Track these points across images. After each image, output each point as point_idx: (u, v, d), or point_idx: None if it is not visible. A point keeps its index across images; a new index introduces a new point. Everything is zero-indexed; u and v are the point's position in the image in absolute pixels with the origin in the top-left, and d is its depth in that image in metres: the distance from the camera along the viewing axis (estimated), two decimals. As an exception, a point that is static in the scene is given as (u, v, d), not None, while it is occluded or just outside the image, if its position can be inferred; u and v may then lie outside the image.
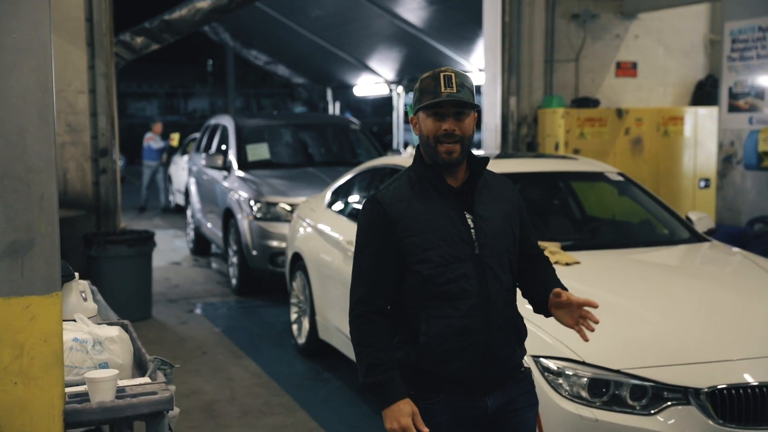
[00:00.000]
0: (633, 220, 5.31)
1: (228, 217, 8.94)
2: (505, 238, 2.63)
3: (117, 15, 8.35)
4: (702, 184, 9.47)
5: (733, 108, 8.20)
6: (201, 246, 11.01)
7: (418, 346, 2.57)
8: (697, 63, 9.78)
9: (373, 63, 16.33)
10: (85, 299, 3.28)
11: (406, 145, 16.65)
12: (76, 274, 3.23)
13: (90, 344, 2.91)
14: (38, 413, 2.32)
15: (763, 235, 7.55)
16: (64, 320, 2.86)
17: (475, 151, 5.42)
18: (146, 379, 2.83)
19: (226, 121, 10.01)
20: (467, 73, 2.42)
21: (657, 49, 9.80)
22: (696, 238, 4.99)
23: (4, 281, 2.25)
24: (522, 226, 2.73)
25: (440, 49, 13.56)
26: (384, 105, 24.85)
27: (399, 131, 17.60)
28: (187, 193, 11.31)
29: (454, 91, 2.51)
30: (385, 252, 2.57)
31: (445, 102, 2.51)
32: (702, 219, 5.19)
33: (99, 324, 3.09)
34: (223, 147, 9.75)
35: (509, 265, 2.64)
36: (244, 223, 8.38)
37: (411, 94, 2.56)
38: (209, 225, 9.97)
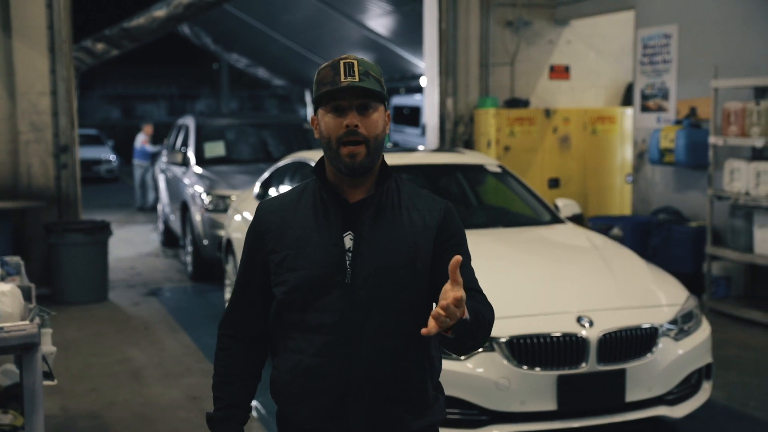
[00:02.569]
0: (505, 205, 6.02)
1: (185, 209, 9.69)
2: (397, 270, 2.13)
3: (79, 23, 9.09)
4: (629, 179, 10.16)
5: (644, 108, 8.89)
6: (170, 238, 11.75)
7: (271, 382, 2.26)
8: (627, 66, 10.44)
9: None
10: (-11, 264, 4.01)
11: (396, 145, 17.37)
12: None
13: (-16, 296, 3.64)
14: None
15: (664, 224, 8.25)
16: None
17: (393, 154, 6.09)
18: (26, 323, 3.56)
19: (189, 121, 10.79)
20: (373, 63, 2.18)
21: (588, 53, 10.49)
22: (555, 220, 5.70)
23: None
24: (444, 258, 2.12)
25: (402, 54, 14.30)
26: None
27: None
28: (142, 187, 12.04)
29: (356, 79, 2.08)
30: (253, 268, 2.25)
31: (345, 91, 2.08)
32: (567, 205, 5.91)
33: (-4, 282, 3.82)
34: (185, 145, 10.53)
35: (401, 304, 2.13)
36: (197, 214, 9.13)
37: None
38: (173, 218, 10.73)
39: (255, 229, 2.25)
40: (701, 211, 8.03)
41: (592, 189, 9.98)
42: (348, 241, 2.15)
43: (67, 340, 6.89)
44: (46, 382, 3.76)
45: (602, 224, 8.60)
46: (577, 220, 5.90)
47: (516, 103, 9.77)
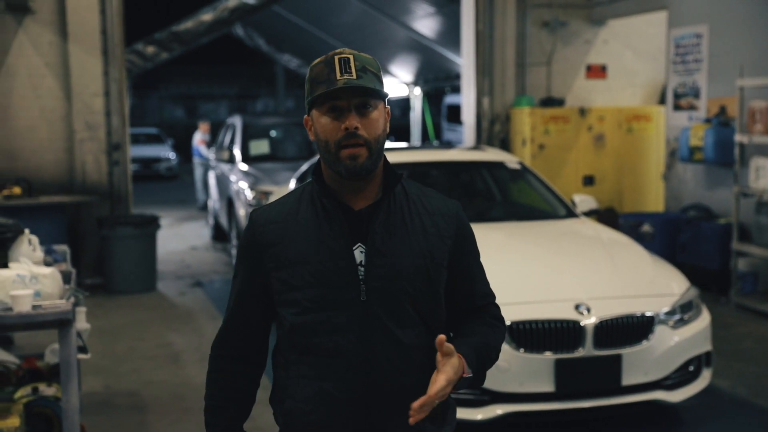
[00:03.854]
0: (524, 200, 6.27)
1: (230, 205, 10.13)
2: (414, 283, 2.00)
3: (130, 27, 9.57)
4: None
5: (677, 107, 9.02)
6: (219, 233, 12.22)
7: (284, 411, 2.08)
8: (664, 65, 10.51)
9: (393, 66, 17.45)
10: (33, 250, 4.43)
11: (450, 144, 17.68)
12: (26, 230, 4.37)
13: (28, 278, 4.04)
14: (-32, 312, 3.46)
15: (693, 220, 8.38)
16: (12, 263, 4.03)
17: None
18: (62, 301, 3.96)
19: (237, 120, 11.25)
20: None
21: (625, 52, 10.62)
22: (570, 215, 5.93)
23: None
24: (458, 267, 2.09)
25: (446, 55, 14.58)
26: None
27: (416, 130, 18.62)
28: (204, 184, 12.56)
29: (354, 76, 1.93)
30: (251, 285, 2.08)
31: (343, 91, 1.94)
32: (584, 201, 6.14)
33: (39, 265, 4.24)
34: (233, 143, 10.99)
35: (416, 318, 2.02)
36: (241, 209, 9.55)
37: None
38: (221, 213, 11.20)
39: (252, 242, 2.05)
40: (730, 208, 8.14)
41: (628, 187, 10.11)
42: (359, 254, 1.98)
43: (115, 325, 7.36)
44: (80, 356, 4.16)
45: (633, 221, 8.75)
46: (610, 216, 6.10)
47: (551, 102, 9.97)
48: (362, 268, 1.98)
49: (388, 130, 2.05)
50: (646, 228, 8.63)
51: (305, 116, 2.08)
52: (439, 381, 1.85)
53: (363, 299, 1.97)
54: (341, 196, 2.02)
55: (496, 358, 2.12)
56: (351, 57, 1.97)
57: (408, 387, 1.99)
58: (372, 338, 1.98)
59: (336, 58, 1.98)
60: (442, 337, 1.87)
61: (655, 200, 10.26)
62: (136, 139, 23.02)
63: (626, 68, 10.66)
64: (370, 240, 1.98)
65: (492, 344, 2.09)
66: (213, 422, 2.15)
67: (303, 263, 1.98)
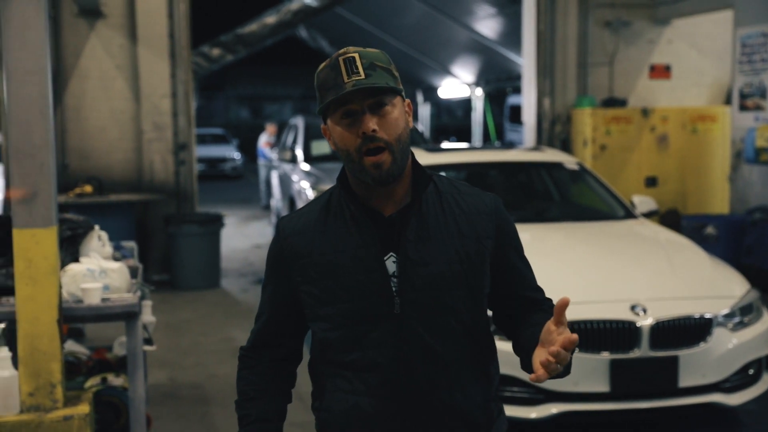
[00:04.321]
0: (582, 201, 6.27)
1: (292, 204, 10.31)
2: (452, 291, 1.88)
3: (196, 30, 9.82)
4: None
5: (743, 107, 8.87)
6: (282, 232, 12.41)
7: (320, 422, 2.02)
8: (730, 65, 10.34)
9: (454, 67, 17.49)
10: (103, 245, 4.62)
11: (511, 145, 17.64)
12: (96, 226, 4.55)
13: (97, 272, 4.22)
14: (42, 303, 3.63)
15: (758, 222, 8.24)
16: (83, 257, 4.22)
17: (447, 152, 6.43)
18: (129, 295, 4.13)
19: (299, 121, 11.43)
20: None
21: (690, 52, 10.47)
22: (628, 215, 5.91)
23: (19, 218, 3.58)
24: (502, 265, 1.97)
25: (508, 56, 14.56)
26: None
27: (477, 130, 18.63)
28: (268, 185, 12.79)
29: (362, 76, 1.82)
30: (282, 295, 2.00)
31: (353, 94, 1.82)
32: (643, 202, 6.11)
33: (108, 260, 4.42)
34: (295, 143, 11.18)
35: (457, 329, 1.90)
36: (302, 208, 9.71)
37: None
38: (284, 212, 11.39)
39: (279, 254, 1.97)
40: (797, 211, 7.99)
41: (692, 188, 9.98)
42: (391, 265, 1.87)
43: (180, 320, 7.57)
44: (146, 347, 4.34)
45: (696, 222, 8.64)
46: (673, 218, 6.06)
47: (613, 102, 9.89)
48: (395, 279, 1.86)
49: (411, 124, 1.91)
50: (710, 230, 8.51)
51: (322, 126, 1.95)
52: (567, 333, 1.69)
53: (397, 312, 1.86)
54: (369, 201, 1.90)
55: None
56: (356, 55, 1.84)
57: (447, 404, 1.89)
58: (408, 353, 1.87)
59: (340, 59, 1.85)
60: (565, 299, 1.70)
61: (720, 202, 10.10)
62: (203, 140, 23.47)
63: (691, 68, 10.52)
64: (402, 249, 1.86)
65: None
66: (245, 414, 2.03)
67: (333, 277, 1.88)
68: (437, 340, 1.86)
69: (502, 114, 22.95)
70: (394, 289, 1.86)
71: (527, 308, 2.01)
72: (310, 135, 10.91)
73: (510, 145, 14.28)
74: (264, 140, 16.06)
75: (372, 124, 1.81)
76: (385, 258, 1.87)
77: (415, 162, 1.94)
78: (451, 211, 1.91)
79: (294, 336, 2.05)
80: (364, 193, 1.90)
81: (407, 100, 1.92)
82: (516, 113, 18.50)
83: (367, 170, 1.83)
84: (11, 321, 3.67)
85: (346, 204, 1.91)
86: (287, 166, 10.98)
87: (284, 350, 2.06)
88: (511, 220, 2.01)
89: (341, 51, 1.88)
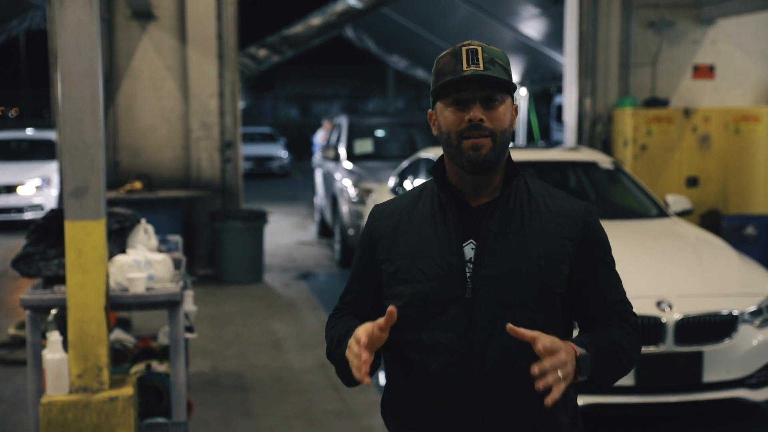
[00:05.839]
0: (616, 199, 6.36)
1: (334, 201, 10.52)
2: (526, 286, 1.90)
3: (244, 31, 10.09)
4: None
5: (785, 107, 8.83)
6: (325, 228, 12.62)
7: (383, 403, 2.09)
8: (777, 65, 10.31)
9: (499, 67, 17.52)
10: (149, 238, 4.86)
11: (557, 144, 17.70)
12: (143, 220, 4.79)
13: (143, 263, 4.46)
14: (91, 291, 3.87)
15: (799, 224, 8.21)
16: (129, 249, 4.46)
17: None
18: (172, 284, 4.35)
19: (343, 120, 11.65)
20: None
21: (735, 52, 10.43)
22: (661, 214, 5.99)
23: (71, 211, 3.83)
24: (583, 273, 1.96)
25: (552, 56, 14.61)
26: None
27: (521, 130, 18.65)
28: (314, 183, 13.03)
29: (481, 68, 1.87)
30: (366, 274, 2.06)
31: (469, 81, 1.87)
32: (677, 201, 6.19)
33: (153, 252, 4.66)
34: (339, 141, 11.39)
35: (526, 324, 1.84)
36: (344, 206, 9.92)
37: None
38: (327, 210, 11.61)
39: (368, 237, 2.06)
40: (838, 212, 7.95)
41: (734, 189, 9.95)
42: (469, 251, 1.91)
43: (224, 313, 7.82)
44: (188, 335, 4.56)
45: (736, 223, 8.63)
46: (713, 218, 6.12)
47: (654, 102, 9.91)
48: (470, 265, 1.91)
49: (514, 127, 1.97)
50: (750, 230, 8.50)
51: (429, 110, 2.02)
52: (539, 343, 1.75)
53: (468, 297, 1.89)
54: (461, 192, 1.97)
55: (628, 361, 1.93)
56: (479, 48, 1.90)
57: (504, 396, 1.89)
58: (474, 339, 1.89)
59: (464, 49, 1.90)
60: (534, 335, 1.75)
61: (763, 203, 10.05)
62: (251, 138, 23.83)
63: (736, 68, 10.47)
64: (481, 237, 1.91)
65: (618, 340, 1.92)
66: (336, 351, 2.01)
67: (412, 257, 1.94)
68: (505, 333, 1.80)
69: (549, 114, 22.93)
70: (468, 274, 1.90)
71: (603, 321, 1.99)
72: (353, 134, 11.11)
73: (553, 145, 14.32)
74: (321, 135, 16.33)
75: (480, 113, 1.88)
76: (465, 244, 1.92)
77: (510, 160, 1.99)
78: (537, 209, 1.95)
79: (377, 309, 2.02)
80: (458, 183, 1.97)
81: (515, 104, 1.97)
82: (562, 113, 18.49)
83: (465, 152, 1.88)
84: (62, 307, 3.92)
85: (437, 192, 1.98)
86: (330, 164, 11.20)
87: (371, 316, 2.03)
88: (600, 229, 2.02)
89: (466, 42, 1.95)
